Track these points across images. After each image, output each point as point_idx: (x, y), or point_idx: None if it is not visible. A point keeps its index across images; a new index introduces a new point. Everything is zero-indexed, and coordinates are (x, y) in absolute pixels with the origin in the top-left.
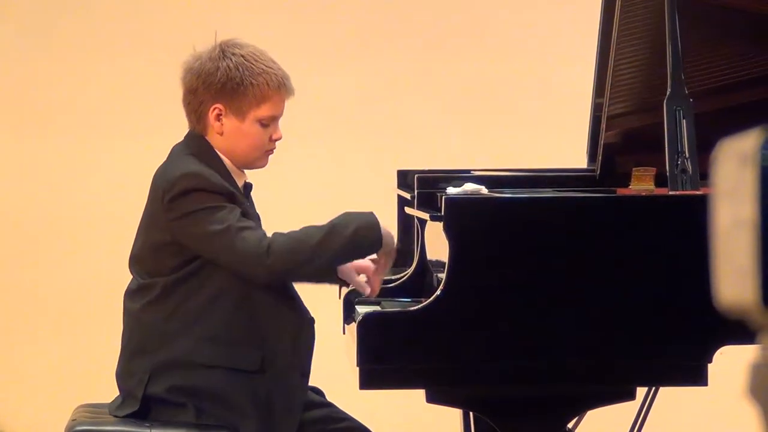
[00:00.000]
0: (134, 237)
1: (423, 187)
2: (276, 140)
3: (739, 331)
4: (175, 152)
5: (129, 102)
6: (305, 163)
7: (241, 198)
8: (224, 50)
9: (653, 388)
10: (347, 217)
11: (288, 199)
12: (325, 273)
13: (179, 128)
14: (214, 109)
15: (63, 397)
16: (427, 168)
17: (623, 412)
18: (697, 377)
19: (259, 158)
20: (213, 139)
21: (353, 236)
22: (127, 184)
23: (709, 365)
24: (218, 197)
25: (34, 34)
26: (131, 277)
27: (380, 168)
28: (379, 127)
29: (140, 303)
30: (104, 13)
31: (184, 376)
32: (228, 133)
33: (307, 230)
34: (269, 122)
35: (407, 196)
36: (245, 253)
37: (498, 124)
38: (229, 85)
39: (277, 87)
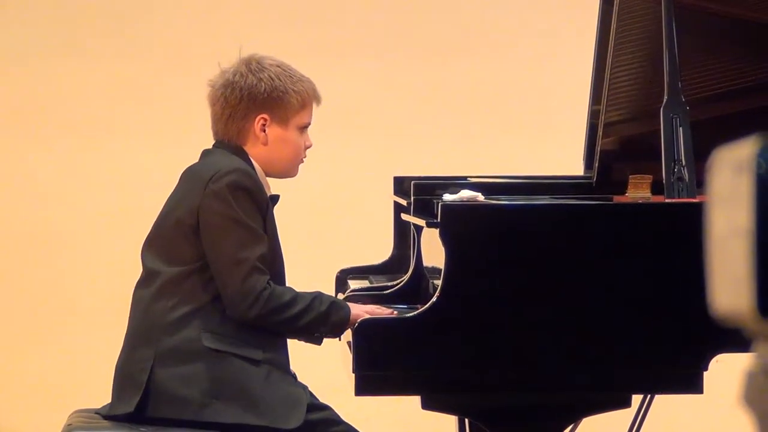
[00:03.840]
0: (142, 236)
1: (419, 194)
2: (308, 148)
3: (734, 338)
4: (216, 152)
5: (137, 107)
6: (301, 168)
7: (271, 212)
8: (260, 62)
9: (649, 396)
10: (324, 296)
11: (284, 206)
12: (299, 333)
13: (186, 133)
14: (260, 119)
15: (58, 403)
16: (423, 175)
17: (619, 419)
18: (693, 385)
19: (295, 167)
20: (254, 149)
21: (328, 309)
22: (127, 193)
23: (705, 373)
24: (258, 211)
25: (41, 37)
26: (130, 282)
27: (377, 174)
28: (376, 134)
29: (148, 291)
30: (107, 18)
31: (190, 361)
32: (272, 143)
33: (298, 296)
34: (305, 129)
35: (404, 202)
36: (248, 293)
37: (495, 131)
38: (275, 94)
39: (314, 93)
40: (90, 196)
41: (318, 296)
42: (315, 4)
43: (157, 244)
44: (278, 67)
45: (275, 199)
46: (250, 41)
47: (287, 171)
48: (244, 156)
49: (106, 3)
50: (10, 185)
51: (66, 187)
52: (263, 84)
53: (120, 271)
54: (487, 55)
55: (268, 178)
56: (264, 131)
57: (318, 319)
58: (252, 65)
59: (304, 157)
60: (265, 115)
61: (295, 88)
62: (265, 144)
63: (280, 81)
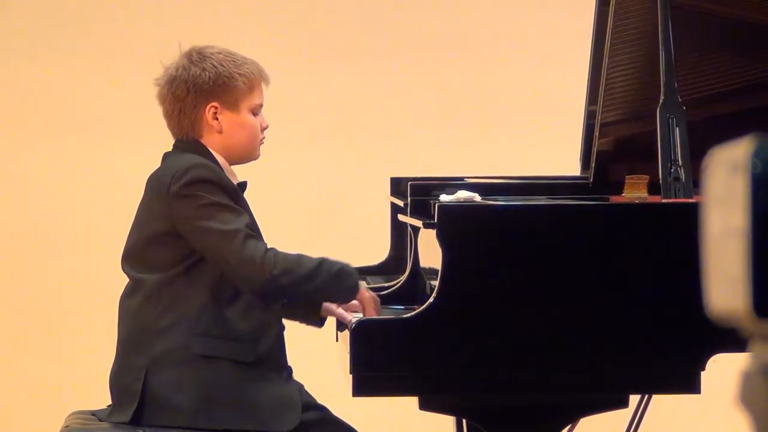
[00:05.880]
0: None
1: (416, 195)
2: (265, 129)
3: (731, 339)
4: (173, 154)
5: (123, 108)
6: (298, 170)
7: (241, 197)
8: (201, 52)
9: (646, 396)
10: (332, 260)
11: (281, 207)
12: (313, 297)
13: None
14: (210, 108)
15: (56, 404)
16: (420, 175)
17: (616, 419)
18: (690, 385)
19: (255, 149)
20: (210, 139)
21: (338, 272)
22: (120, 192)
23: (702, 373)
24: (225, 194)
25: (25, 40)
26: (125, 282)
27: (373, 175)
28: (373, 135)
29: (135, 300)
30: (105, 18)
31: (182, 368)
32: (227, 129)
33: (303, 256)
34: (258, 110)
35: (400, 203)
36: (252, 258)
37: (491, 131)
38: (220, 80)
39: (260, 74)
40: (90, 197)
41: (325, 259)
42: (313, 5)
43: (134, 253)
44: (220, 53)
45: (243, 186)
46: (249, 43)
47: (248, 154)
48: (203, 149)
49: (106, 3)
50: (10, 186)
51: (65, 188)
52: (207, 73)
53: (119, 272)
54: (484, 56)
55: (236, 167)
56: (216, 119)
57: (330, 281)
58: (193, 56)
59: (263, 138)
60: (215, 103)
61: (239, 72)
62: (220, 132)
63: (224, 67)
